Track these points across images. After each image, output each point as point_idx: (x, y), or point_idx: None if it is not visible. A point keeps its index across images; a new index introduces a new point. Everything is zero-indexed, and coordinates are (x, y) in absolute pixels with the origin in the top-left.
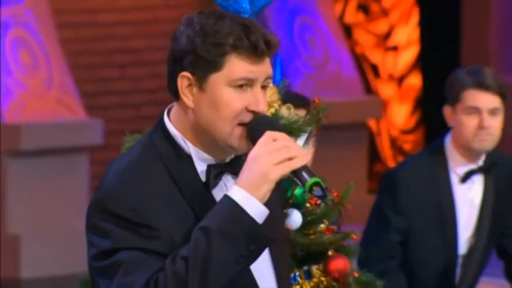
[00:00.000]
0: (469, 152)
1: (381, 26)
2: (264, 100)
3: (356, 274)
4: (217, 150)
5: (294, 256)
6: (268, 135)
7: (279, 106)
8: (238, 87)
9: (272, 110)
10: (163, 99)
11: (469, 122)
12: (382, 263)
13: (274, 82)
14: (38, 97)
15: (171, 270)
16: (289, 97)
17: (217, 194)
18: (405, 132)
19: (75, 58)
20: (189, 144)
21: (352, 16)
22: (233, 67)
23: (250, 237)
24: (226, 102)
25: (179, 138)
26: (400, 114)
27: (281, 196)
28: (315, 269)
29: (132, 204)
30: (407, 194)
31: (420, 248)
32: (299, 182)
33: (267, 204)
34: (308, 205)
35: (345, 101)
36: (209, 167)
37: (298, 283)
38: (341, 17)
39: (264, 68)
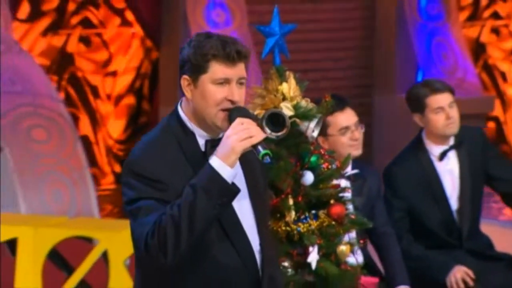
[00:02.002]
0: (442, 138)
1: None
2: (239, 93)
3: (352, 217)
4: (210, 130)
5: (309, 203)
6: (238, 121)
7: (300, 99)
8: (219, 84)
9: (295, 102)
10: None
11: (439, 119)
12: (398, 232)
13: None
14: None
15: (169, 213)
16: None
17: None
18: None
19: (269, 65)
20: (192, 125)
21: (486, 36)
22: (214, 70)
23: (222, 192)
24: (210, 94)
25: (186, 121)
26: None
27: (263, 170)
28: (321, 212)
29: (150, 167)
30: (401, 183)
31: (423, 214)
32: (256, 153)
33: (250, 174)
34: (322, 168)
35: (465, 99)
36: (206, 142)
37: (308, 222)
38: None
39: (237, 71)
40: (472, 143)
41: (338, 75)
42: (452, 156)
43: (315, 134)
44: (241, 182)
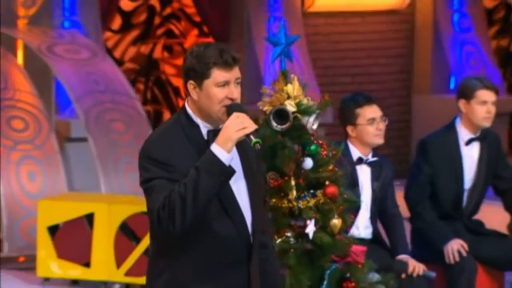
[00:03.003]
0: (474, 127)
1: None
2: (237, 91)
3: (345, 196)
4: (212, 121)
5: (308, 184)
6: (234, 114)
7: (302, 98)
8: (220, 86)
9: (297, 100)
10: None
11: (481, 110)
12: (418, 197)
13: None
14: None
15: (177, 190)
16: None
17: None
18: None
19: (323, 70)
20: (197, 118)
21: None
22: (215, 75)
23: (220, 172)
24: (214, 95)
25: (192, 116)
26: None
27: (257, 157)
28: (318, 192)
29: (161, 153)
30: (432, 152)
31: (440, 185)
32: (248, 141)
33: (245, 159)
34: (321, 155)
35: None
36: (209, 132)
37: (307, 200)
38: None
39: (234, 74)
40: (492, 142)
41: (383, 78)
42: (476, 145)
43: (315, 127)
44: (237, 166)
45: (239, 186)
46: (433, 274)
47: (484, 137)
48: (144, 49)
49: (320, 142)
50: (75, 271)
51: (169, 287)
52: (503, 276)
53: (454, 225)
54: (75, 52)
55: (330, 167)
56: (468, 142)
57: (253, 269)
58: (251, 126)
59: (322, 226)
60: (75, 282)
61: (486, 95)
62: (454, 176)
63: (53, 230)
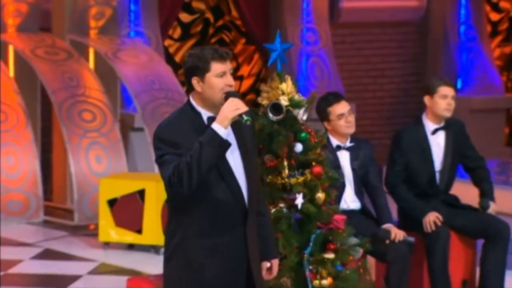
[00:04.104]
0: (437, 119)
1: None
2: (231, 79)
3: (329, 174)
4: (213, 110)
5: (298, 164)
6: (230, 99)
7: (294, 94)
8: (220, 76)
9: (290, 96)
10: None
11: (442, 103)
12: (395, 180)
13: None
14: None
15: (184, 160)
16: (330, 93)
17: None
18: None
19: (348, 73)
20: (199, 108)
21: None
22: (214, 68)
23: (219, 145)
24: (216, 84)
25: (195, 106)
26: None
27: (254, 138)
28: (306, 171)
29: (170, 134)
30: (404, 143)
31: (414, 170)
32: (241, 119)
33: (241, 139)
34: (310, 141)
35: (491, 98)
36: (208, 118)
37: (297, 177)
38: None
39: (228, 65)
40: (457, 128)
41: (398, 80)
42: (441, 133)
43: (305, 117)
44: (233, 143)
45: (235, 159)
46: (412, 239)
47: (448, 125)
48: None
49: (309, 130)
50: (130, 237)
51: (180, 244)
52: (475, 243)
53: (431, 202)
54: (135, 56)
55: (317, 151)
56: (434, 132)
57: (249, 231)
58: (243, 108)
59: (309, 199)
60: (130, 246)
61: (446, 90)
62: (425, 161)
63: (112, 203)
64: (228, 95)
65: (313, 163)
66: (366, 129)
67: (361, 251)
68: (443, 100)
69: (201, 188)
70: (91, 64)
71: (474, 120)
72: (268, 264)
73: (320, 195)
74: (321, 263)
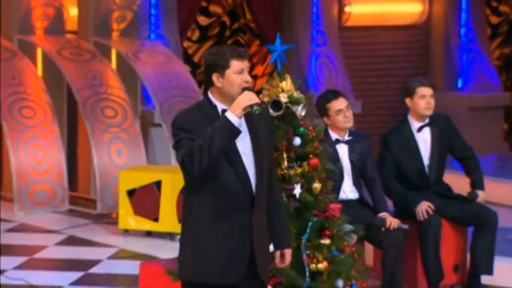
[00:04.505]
0: (420, 117)
1: None
2: (248, 76)
3: (326, 165)
4: (229, 103)
5: (297, 156)
6: (245, 92)
7: (293, 92)
8: (238, 73)
9: (289, 93)
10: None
11: (421, 103)
12: (387, 177)
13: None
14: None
15: (197, 143)
16: (329, 90)
17: None
18: None
19: (355, 72)
20: (216, 101)
21: None
22: (234, 65)
23: (230, 131)
24: (235, 80)
25: (212, 99)
26: None
27: (267, 127)
28: (304, 163)
29: (185, 122)
30: (392, 143)
31: (404, 166)
32: (252, 109)
33: (253, 131)
34: (308, 135)
35: (490, 95)
36: (222, 110)
37: (295, 169)
38: None
39: (246, 63)
40: (442, 124)
41: (403, 79)
42: (427, 130)
43: (303, 113)
44: (245, 132)
45: (245, 148)
46: (406, 226)
47: (433, 121)
48: None
49: (307, 125)
50: (147, 225)
51: (191, 227)
52: (466, 231)
53: (423, 193)
54: (154, 57)
55: (315, 144)
56: (419, 129)
57: (255, 217)
58: (255, 100)
59: (307, 188)
60: (148, 233)
61: (424, 90)
62: (413, 157)
63: (131, 193)
64: (244, 90)
65: (311, 156)
66: (372, 125)
67: (355, 237)
68: (422, 100)
69: (211, 173)
70: (114, 64)
71: (474, 117)
72: (281, 253)
73: (317, 185)
74: (318, 248)
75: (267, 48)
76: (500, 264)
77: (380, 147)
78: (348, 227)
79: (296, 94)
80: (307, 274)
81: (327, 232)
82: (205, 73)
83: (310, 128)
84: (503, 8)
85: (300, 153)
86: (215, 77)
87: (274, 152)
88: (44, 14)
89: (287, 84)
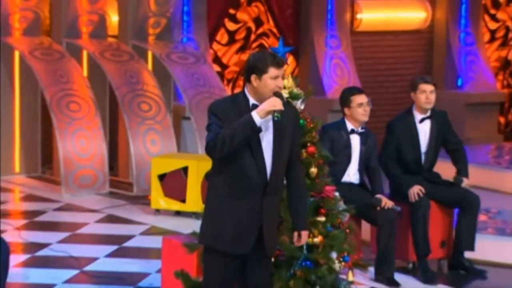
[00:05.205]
0: (422, 110)
1: None
2: (281, 82)
3: (322, 153)
4: (259, 100)
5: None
6: (272, 97)
7: (293, 88)
8: (273, 79)
9: (290, 89)
10: (401, 88)
11: (422, 97)
12: (388, 159)
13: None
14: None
15: (222, 132)
16: (354, 86)
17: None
18: None
19: (365, 72)
20: (250, 97)
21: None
22: (271, 72)
23: (252, 128)
24: (269, 84)
25: (248, 95)
26: None
27: (294, 126)
28: (303, 150)
29: (218, 110)
30: (396, 130)
31: (404, 152)
32: (273, 114)
33: (278, 130)
34: (306, 126)
35: (486, 92)
36: (253, 105)
37: None
38: None
39: (281, 71)
40: (440, 118)
41: (408, 78)
42: (427, 122)
43: (302, 107)
44: (271, 130)
45: (267, 142)
46: (399, 208)
47: (433, 115)
48: (244, 56)
49: (306, 117)
50: (176, 205)
51: (211, 201)
52: (452, 212)
53: (416, 178)
54: (185, 58)
55: (312, 134)
56: (421, 121)
57: (266, 200)
58: (278, 106)
59: (305, 173)
60: (176, 212)
61: (425, 87)
62: (413, 144)
63: (161, 177)
64: (275, 94)
65: (309, 144)
66: (380, 119)
67: (347, 215)
68: (423, 94)
69: (234, 159)
70: (149, 64)
71: (472, 112)
72: (298, 234)
73: (314, 170)
74: (314, 225)
75: (271, 50)
76: (481, 241)
77: (385, 133)
78: (342, 206)
79: (296, 90)
80: (305, 247)
81: (323, 211)
82: (246, 71)
83: (308, 120)
84: (500, 15)
85: (301, 141)
86: (253, 78)
87: (300, 145)
88: (89, 20)
89: (288, 82)
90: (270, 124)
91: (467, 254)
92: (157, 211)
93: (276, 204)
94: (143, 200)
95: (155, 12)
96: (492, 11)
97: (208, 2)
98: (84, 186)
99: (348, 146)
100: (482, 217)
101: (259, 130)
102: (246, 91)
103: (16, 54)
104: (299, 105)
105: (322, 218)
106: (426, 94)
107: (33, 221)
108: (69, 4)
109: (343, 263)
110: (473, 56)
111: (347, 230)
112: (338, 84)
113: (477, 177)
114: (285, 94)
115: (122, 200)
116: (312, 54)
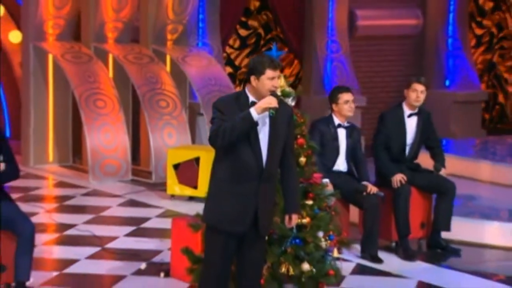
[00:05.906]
0: (411, 107)
1: None
2: (277, 83)
3: (310, 144)
4: (257, 98)
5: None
6: (268, 96)
7: (285, 87)
8: (270, 79)
9: (282, 88)
10: (394, 87)
11: (412, 95)
12: (379, 146)
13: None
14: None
15: (223, 125)
16: (342, 85)
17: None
18: None
19: (362, 73)
20: (249, 95)
21: (496, 59)
22: (268, 73)
23: (250, 122)
24: (266, 84)
25: (247, 91)
26: None
27: (288, 122)
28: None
29: (221, 105)
30: (387, 121)
31: (392, 142)
32: (268, 111)
33: (274, 125)
34: (296, 120)
35: (471, 92)
36: (252, 102)
37: None
38: None
39: (278, 73)
40: (425, 116)
41: (401, 79)
42: (414, 117)
43: (293, 103)
44: (267, 125)
45: (264, 134)
46: (382, 194)
47: (420, 112)
48: None
49: (296, 112)
50: (189, 191)
51: (215, 182)
52: (431, 197)
53: (400, 166)
54: (198, 61)
55: (302, 128)
56: (409, 116)
57: (262, 186)
58: (274, 104)
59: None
60: (190, 198)
61: (416, 86)
62: (400, 136)
63: (176, 166)
64: (271, 94)
65: (298, 136)
66: (375, 116)
67: (334, 199)
68: (414, 93)
69: (235, 149)
70: (168, 66)
71: (458, 109)
72: (289, 216)
73: (303, 159)
74: (303, 207)
75: (266, 54)
76: (456, 223)
77: (378, 123)
78: (328, 191)
79: (287, 89)
80: (294, 227)
81: (311, 195)
82: (247, 72)
83: (298, 115)
84: (485, 22)
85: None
86: (252, 78)
87: (293, 138)
88: (115, 27)
89: (280, 81)
90: (267, 119)
91: (444, 235)
92: (172, 196)
93: (271, 190)
94: (160, 186)
95: (173, 19)
96: (478, 19)
97: (222, 11)
98: (109, 174)
99: (335, 139)
100: (457, 202)
101: (256, 124)
102: (246, 90)
103: (50, 57)
104: (290, 101)
105: (310, 202)
106: (417, 93)
107: (63, 205)
108: (97, 13)
109: (328, 241)
110: (459, 59)
111: (333, 212)
112: (338, 84)
113: (456, 166)
114: (278, 92)
115: (142, 187)
116: (315, 57)
